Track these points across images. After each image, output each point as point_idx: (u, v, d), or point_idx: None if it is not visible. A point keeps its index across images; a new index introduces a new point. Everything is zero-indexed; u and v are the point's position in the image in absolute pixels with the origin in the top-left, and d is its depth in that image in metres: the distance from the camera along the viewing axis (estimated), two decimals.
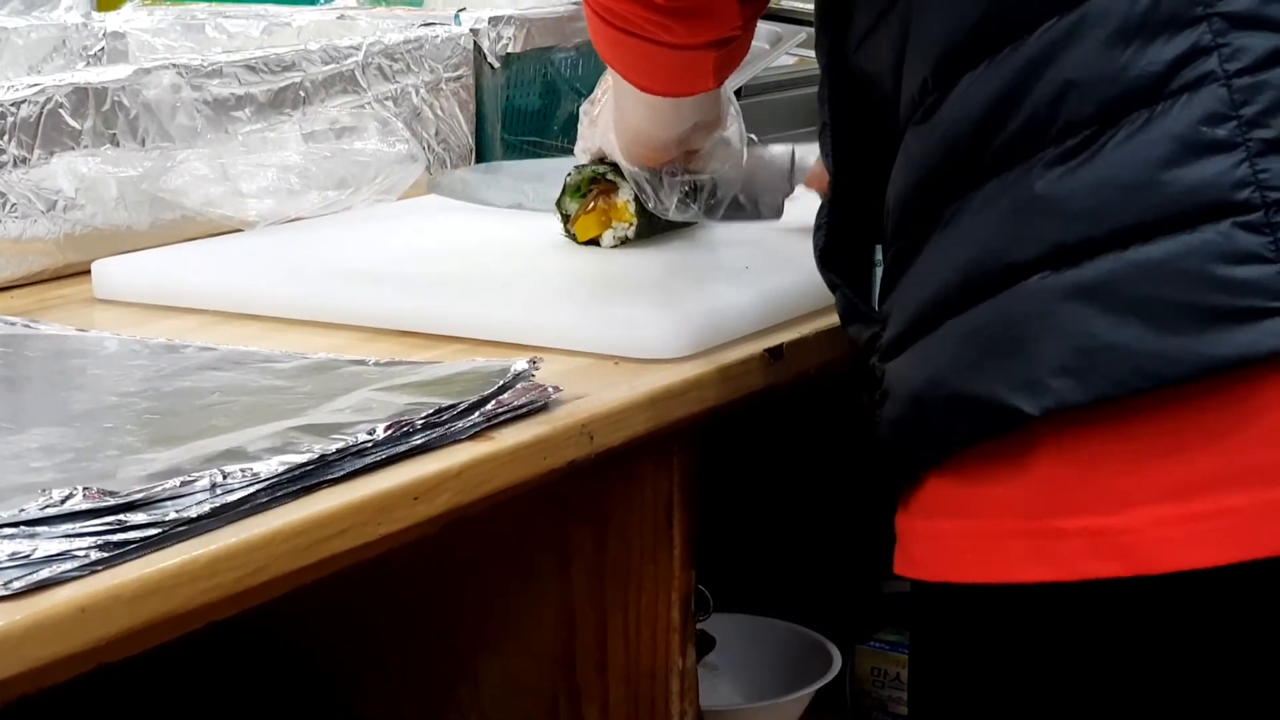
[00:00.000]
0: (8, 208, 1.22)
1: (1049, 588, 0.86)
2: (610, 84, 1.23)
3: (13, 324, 1.13)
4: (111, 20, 1.68)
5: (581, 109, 1.30)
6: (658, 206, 1.23)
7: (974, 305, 0.87)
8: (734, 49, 1.04)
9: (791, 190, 1.30)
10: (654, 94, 1.11)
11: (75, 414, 0.97)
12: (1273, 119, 0.82)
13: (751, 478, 1.67)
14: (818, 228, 1.03)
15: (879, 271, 0.97)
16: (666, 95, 1.11)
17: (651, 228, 1.27)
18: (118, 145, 1.28)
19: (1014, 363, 0.85)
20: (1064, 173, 0.85)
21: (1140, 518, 0.83)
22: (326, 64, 1.43)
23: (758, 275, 1.18)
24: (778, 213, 1.29)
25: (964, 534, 0.88)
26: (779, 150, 1.33)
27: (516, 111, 1.62)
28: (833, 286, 1.02)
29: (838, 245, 1.01)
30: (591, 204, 1.27)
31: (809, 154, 1.30)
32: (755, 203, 1.29)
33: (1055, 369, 0.84)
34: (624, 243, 1.26)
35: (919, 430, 0.90)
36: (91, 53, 1.67)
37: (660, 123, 1.18)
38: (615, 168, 1.26)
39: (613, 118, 1.21)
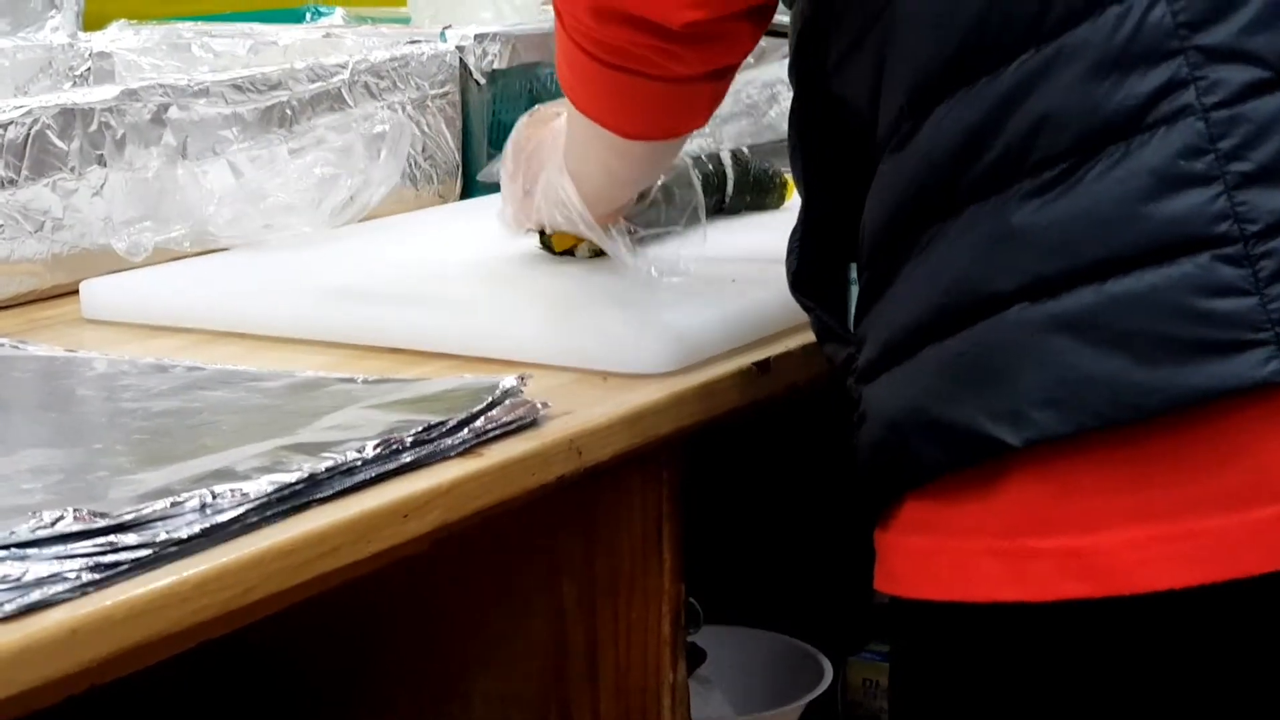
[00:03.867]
0: None
1: (1022, 607, 0.86)
2: (539, 150, 1.20)
3: (1, 345, 1.13)
4: (98, 40, 1.68)
5: (501, 177, 1.26)
6: (637, 263, 1.19)
7: (952, 334, 0.87)
8: (728, 79, 1.03)
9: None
10: (639, 138, 1.07)
11: (64, 435, 0.97)
12: (1250, 152, 0.82)
13: (740, 489, 1.68)
14: (790, 251, 1.02)
15: (855, 290, 0.98)
16: (653, 138, 1.08)
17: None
18: (105, 166, 1.28)
19: (995, 393, 0.86)
20: (1041, 205, 0.85)
21: (1111, 539, 0.83)
22: (313, 82, 1.43)
23: (744, 288, 1.18)
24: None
25: (939, 552, 0.89)
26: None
27: (503, 127, 1.62)
28: (807, 309, 1.02)
29: (811, 267, 1.01)
30: None
31: None
32: (685, 209, 1.27)
33: (1037, 400, 0.84)
34: (599, 253, 1.26)
35: (897, 454, 0.91)
36: (78, 73, 1.67)
37: (631, 177, 1.14)
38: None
39: (565, 183, 1.15)
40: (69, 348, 1.13)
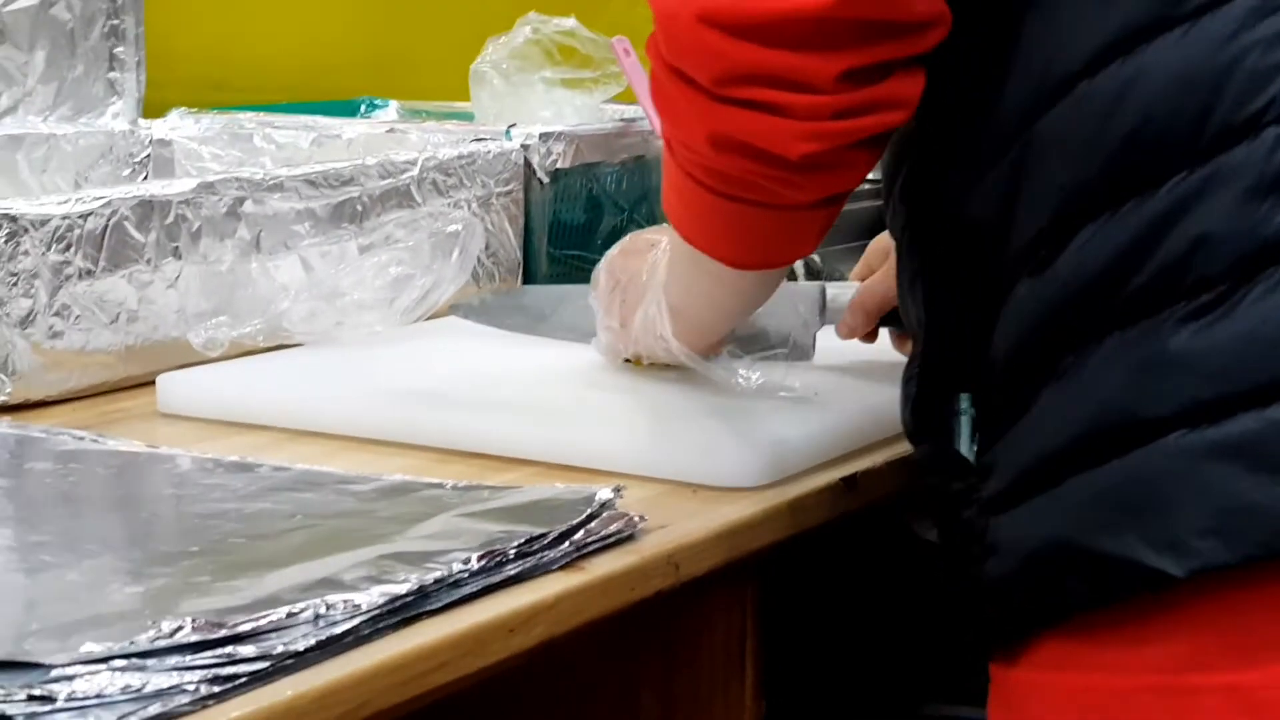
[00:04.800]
0: (72, 319, 1.22)
1: None
2: (635, 281, 1.18)
3: (80, 438, 1.12)
4: (158, 128, 1.68)
5: (598, 312, 1.23)
6: (744, 384, 1.16)
7: (1102, 463, 0.86)
8: (841, 204, 1.01)
9: (819, 327, 1.28)
10: (749, 267, 1.04)
11: (159, 536, 0.96)
12: None
13: (806, 600, 1.66)
14: (908, 379, 1.00)
15: (963, 420, 0.96)
16: (763, 266, 1.05)
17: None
18: (180, 258, 1.28)
19: (1153, 523, 0.84)
20: (1199, 329, 0.84)
21: (1277, 674, 0.82)
22: (384, 179, 1.43)
23: (827, 402, 1.17)
24: (807, 354, 1.26)
25: (1091, 690, 0.87)
26: (808, 287, 1.30)
27: (562, 226, 1.63)
28: (920, 440, 1.00)
29: (929, 396, 0.99)
30: None
31: (841, 293, 1.27)
32: (786, 340, 1.26)
33: (1200, 530, 0.83)
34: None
35: (1038, 588, 0.89)
36: (137, 159, 1.66)
37: (736, 306, 1.11)
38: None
39: (664, 318, 1.13)
40: (149, 443, 1.12)
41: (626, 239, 1.25)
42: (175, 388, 1.21)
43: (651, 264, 1.16)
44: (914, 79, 0.92)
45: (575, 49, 1.71)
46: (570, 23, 1.70)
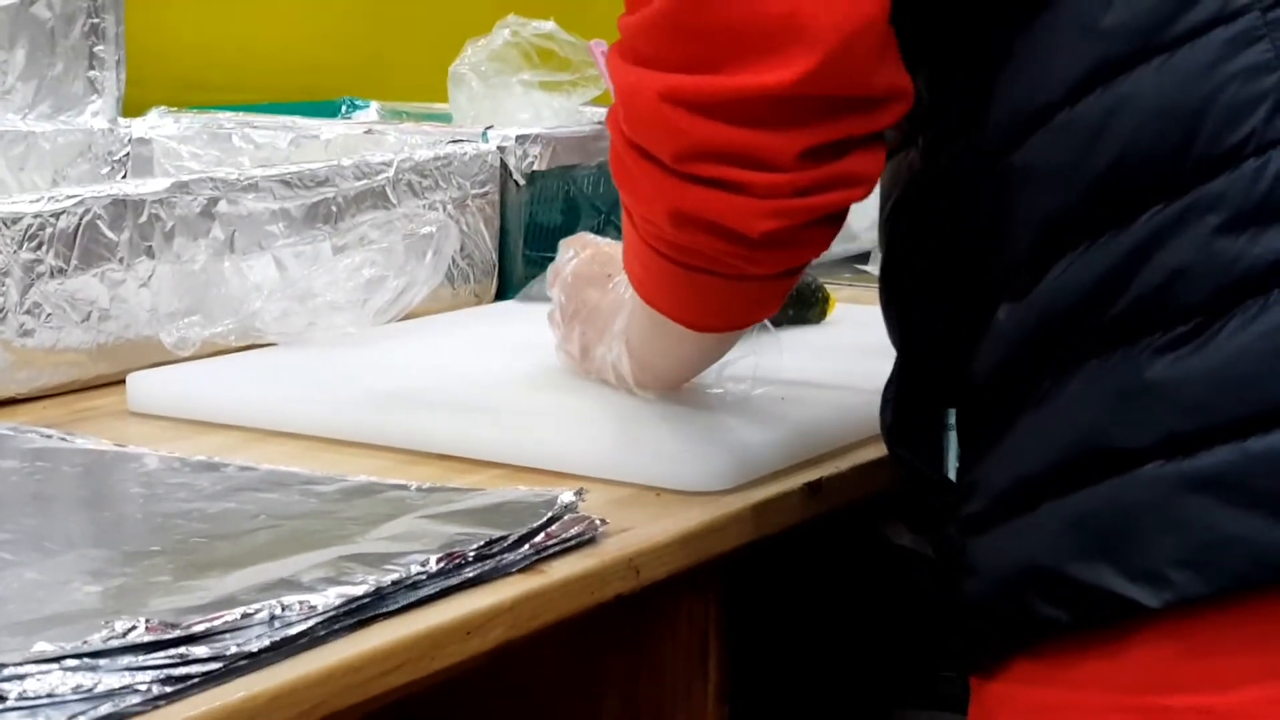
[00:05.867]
0: (43, 317, 1.22)
1: None
2: (596, 316, 1.19)
3: (48, 436, 1.12)
4: (137, 126, 1.68)
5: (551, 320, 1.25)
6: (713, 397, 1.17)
7: (1077, 490, 0.86)
8: (801, 273, 1.01)
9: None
10: (710, 331, 1.05)
11: (121, 535, 0.96)
12: None
13: (772, 604, 1.66)
14: (885, 402, 1.00)
15: (950, 435, 0.96)
16: (726, 330, 1.06)
17: None
18: (153, 258, 1.28)
19: (1129, 552, 0.84)
20: (1175, 360, 0.84)
21: (1249, 696, 0.82)
22: (359, 179, 1.44)
23: (795, 407, 1.18)
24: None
25: (1064, 706, 0.87)
26: None
27: (538, 228, 1.63)
28: (901, 460, 1.00)
29: (907, 417, 0.99)
30: None
31: None
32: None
33: (1175, 561, 0.83)
34: None
35: (1013, 611, 0.88)
36: (116, 158, 1.67)
37: (701, 358, 1.12)
38: None
39: (624, 368, 1.14)
40: (117, 442, 1.12)
41: (580, 260, 1.23)
42: (145, 386, 1.22)
43: (612, 302, 1.16)
44: (874, 155, 0.92)
45: (554, 51, 1.72)
46: (549, 25, 1.71)
